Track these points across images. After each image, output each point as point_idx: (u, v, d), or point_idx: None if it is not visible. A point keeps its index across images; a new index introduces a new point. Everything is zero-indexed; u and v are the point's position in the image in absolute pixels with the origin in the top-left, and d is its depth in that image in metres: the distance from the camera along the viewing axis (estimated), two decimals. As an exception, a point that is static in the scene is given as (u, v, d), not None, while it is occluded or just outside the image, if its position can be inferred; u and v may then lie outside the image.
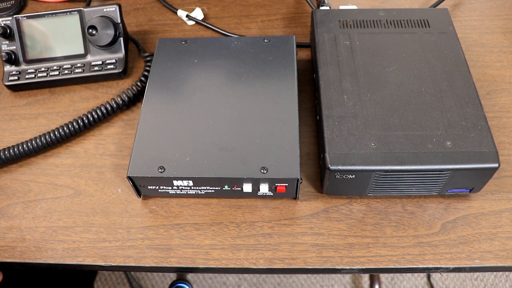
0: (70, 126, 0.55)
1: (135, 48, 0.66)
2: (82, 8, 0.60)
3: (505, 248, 0.45)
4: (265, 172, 0.45)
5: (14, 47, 0.60)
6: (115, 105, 0.57)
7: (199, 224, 0.49)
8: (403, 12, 0.57)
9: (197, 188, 0.48)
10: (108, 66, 0.61)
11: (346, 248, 0.46)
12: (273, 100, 0.51)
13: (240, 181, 0.46)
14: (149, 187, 0.48)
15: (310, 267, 0.45)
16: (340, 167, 0.44)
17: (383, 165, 0.44)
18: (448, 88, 0.49)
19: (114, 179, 0.53)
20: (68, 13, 0.60)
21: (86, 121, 0.56)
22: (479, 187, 0.47)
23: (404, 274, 1.21)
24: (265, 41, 0.57)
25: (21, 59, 0.61)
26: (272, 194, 0.48)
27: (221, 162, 0.46)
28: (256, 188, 0.47)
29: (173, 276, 1.21)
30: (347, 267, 0.45)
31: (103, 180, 0.53)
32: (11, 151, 0.53)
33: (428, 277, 1.20)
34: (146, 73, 0.60)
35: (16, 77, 0.60)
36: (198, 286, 1.20)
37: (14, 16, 0.60)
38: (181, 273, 1.19)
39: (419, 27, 0.55)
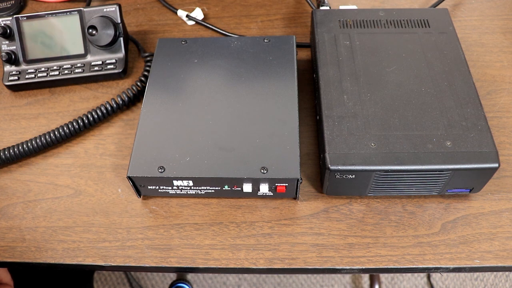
0: (70, 126, 0.55)
1: (135, 48, 0.66)
2: (82, 8, 0.60)
3: (505, 248, 0.45)
4: (265, 172, 0.45)
5: (14, 47, 0.60)
6: (115, 105, 0.57)
7: (199, 224, 0.49)
8: (403, 12, 0.57)
9: (197, 188, 0.48)
10: (108, 66, 0.61)
11: (346, 248, 0.46)
12: (273, 100, 0.51)
13: (240, 181, 0.46)
14: (149, 187, 0.48)
15: (310, 267, 0.45)
16: (340, 167, 0.44)
17: (383, 165, 0.44)
18: (448, 88, 0.49)
19: (114, 179, 0.53)
20: (68, 13, 0.60)
21: (86, 121, 0.56)
22: (479, 187, 0.47)
23: (404, 274, 1.21)
24: (265, 41, 0.57)
25: (21, 59, 0.61)
26: (272, 194, 0.48)
27: (221, 162, 0.46)
28: (256, 188, 0.47)
29: (173, 276, 1.21)
30: (347, 267, 0.45)
31: (103, 180, 0.53)
32: (11, 151, 0.53)
33: (428, 277, 1.20)
34: (146, 73, 0.60)
35: (16, 77, 0.60)
36: (198, 286, 1.20)
37: (14, 16, 0.60)
38: (181, 273, 1.19)
39: (419, 27, 0.55)
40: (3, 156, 0.53)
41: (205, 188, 0.48)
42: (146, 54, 0.62)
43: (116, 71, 0.61)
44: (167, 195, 0.50)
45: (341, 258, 0.46)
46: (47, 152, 0.56)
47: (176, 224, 0.49)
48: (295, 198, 0.49)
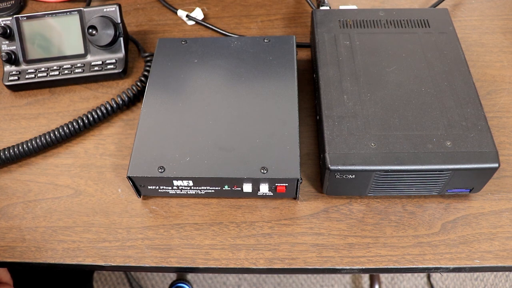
0: (70, 126, 0.55)
1: (135, 48, 0.66)
2: (82, 8, 0.60)
3: (505, 248, 0.45)
4: (265, 172, 0.45)
5: (14, 47, 0.60)
6: (115, 105, 0.57)
7: (199, 224, 0.49)
8: (403, 12, 0.57)
9: (197, 188, 0.48)
10: (108, 66, 0.61)
11: (346, 248, 0.46)
12: (273, 100, 0.51)
13: (240, 181, 0.46)
14: (149, 187, 0.48)
15: (310, 267, 0.45)
16: (340, 167, 0.44)
17: (383, 165, 0.44)
18: (448, 88, 0.49)
19: (114, 179, 0.53)
20: (68, 13, 0.60)
21: (86, 121, 0.56)
22: (479, 187, 0.47)
23: (404, 274, 1.21)
24: (265, 41, 0.57)
25: (21, 59, 0.61)
26: (272, 194, 0.48)
27: (221, 162, 0.46)
28: (256, 188, 0.47)
29: (173, 276, 1.21)
30: (347, 267, 0.45)
31: (103, 180, 0.53)
32: (11, 151, 0.53)
33: (428, 277, 1.20)
34: (146, 73, 0.60)
35: (16, 77, 0.60)
36: (198, 286, 1.20)
37: (14, 16, 0.60)
38: (181, 273, 1.19)
39: (419, 27, 0.55)
40: (3, 156, 0.53)
41: (205, 188, 0.48)
42: (146, 54, 0.62)
43: (116, 71, 0.61)
44: (167, 195, 0.50)
45: (341, 258, 0.46)
46: (47, 152, 0.56)
47: (176, 224, 0.49)
48: (295, 198, 0.49)
